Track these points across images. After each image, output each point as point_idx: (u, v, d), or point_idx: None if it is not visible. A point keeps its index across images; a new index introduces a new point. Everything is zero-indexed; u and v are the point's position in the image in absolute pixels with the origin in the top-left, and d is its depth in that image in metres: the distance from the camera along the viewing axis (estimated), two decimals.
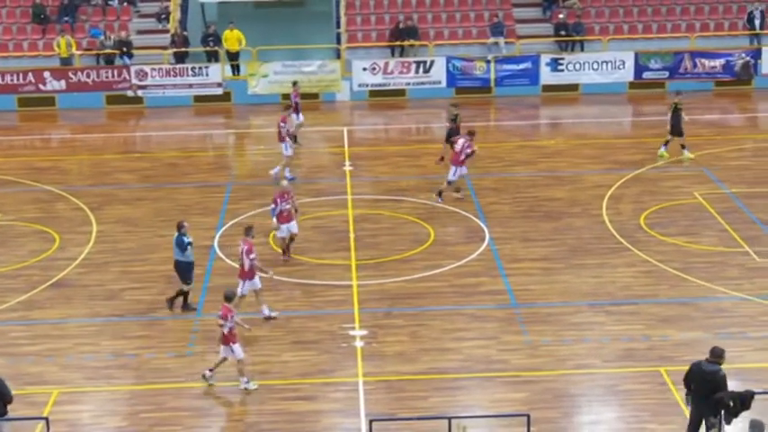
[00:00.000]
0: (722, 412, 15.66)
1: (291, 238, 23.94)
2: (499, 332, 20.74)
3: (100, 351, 20.31)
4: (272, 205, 23.52)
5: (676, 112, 29.36)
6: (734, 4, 39.00)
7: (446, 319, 21.36)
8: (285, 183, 24.84)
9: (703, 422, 16.02)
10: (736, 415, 16.15)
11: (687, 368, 16.09)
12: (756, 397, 16.03)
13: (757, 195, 27.02)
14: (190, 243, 21.57)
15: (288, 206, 23.51)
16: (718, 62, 36.71)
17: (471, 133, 27.22)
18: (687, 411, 17.27)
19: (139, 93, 36.52)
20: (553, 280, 22.85)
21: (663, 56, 36.73)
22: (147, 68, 36.44)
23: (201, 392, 18.83)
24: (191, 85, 36.57)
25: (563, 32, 37.70)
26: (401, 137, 33.39)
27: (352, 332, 20.83)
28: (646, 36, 38.13)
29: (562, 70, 36.77)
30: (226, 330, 18.63)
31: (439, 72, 36.70)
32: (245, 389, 18.78)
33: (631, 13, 39.13)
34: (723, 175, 28.51)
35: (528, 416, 14.81)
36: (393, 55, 37.50)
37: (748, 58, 36.68)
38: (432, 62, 36.74)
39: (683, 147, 29.66)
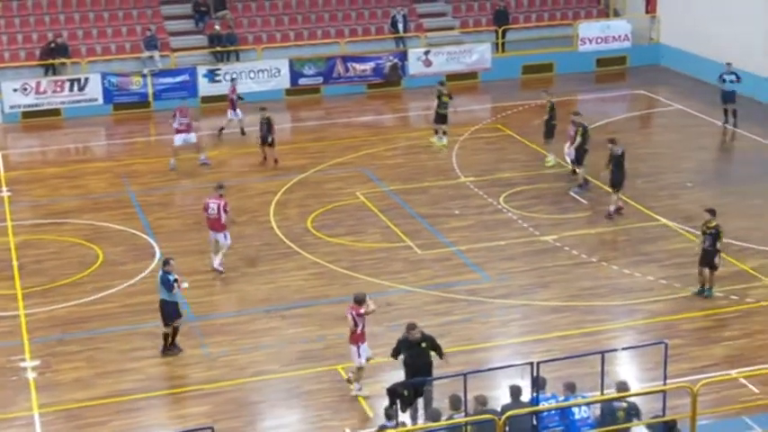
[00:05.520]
0: (397, 402, 16.33)
1: None
2: None
3: None
4: None
5: (441, 100, 31.36)
6: (378, 10, 40.63)
7: (122, 339, 21.02)
8: None
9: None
10: (410, 404, 16.94)
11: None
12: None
13: (413, 191, 28.30)
14: (176, 280, 20.08)
15: None
16: (369, 65, 38.10)
17: (576, 113, 28.32)
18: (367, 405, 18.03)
19: None
20: (228, 290, 23.00)
21: (316, 62, 37.72)
22: None
23: None
24: None
25: (217, 43, 37.95)
26: (59, 158, 32.46)
27: (22, 364, 20.07)
28: (298, 43, 39.03)
29: (219, 81, 36.95)
30: (359, 330, 18.29)
31: (94, 89, 35.93)
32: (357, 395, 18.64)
33: (283, 22, 39.91)
34: (381, 173, 29.66)
35: (212, 428, 14.86)
36: (46, 74, 36.38)
37: (396, 61, 38.30)
38: (86, 79, 35.91)
39: (444, 133, 31.61)
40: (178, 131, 30.37)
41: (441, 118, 31.68)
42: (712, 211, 21.87)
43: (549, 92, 30.28)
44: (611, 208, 25.93)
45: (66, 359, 20.26)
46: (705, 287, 22.01)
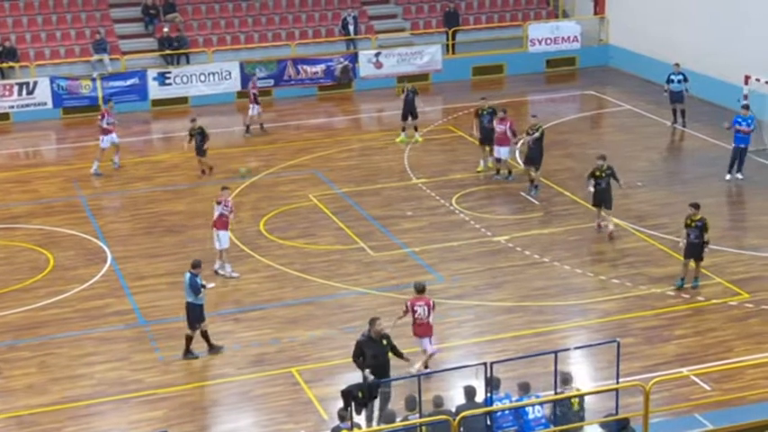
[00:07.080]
0: (352, 404, 16.35)
1: None
2: (130, 352, 20.54)
3: None
4: None
5: (409, 97, 31.94)
6: (329, 12, 40.63)
7: (74, 345, 20.87)
8: None
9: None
10: (365, 405, 16.95)
11: (317, 366, 16.68)
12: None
13: (366, 193, 28.35)
14: (203, 286, 19.91)
15: None
16: (320, 68, 38.09)
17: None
18: (322, 409, 18.06)
19: None
20: (180, 294, 22.69)
21: (267, 64, 37.65)
22: None
23: None
24: None
25: (167, 46, 37.77)
26: (9, 162, 32.16)
27: None
28: (249, 46, 38.93)
29: (170, 84, 36.80)
30: (430, 320, 18.81)
31: (44, 93, 35.63)
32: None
33: (233, 25, 39.79)
34: (333, 175, 29.67)
35: None
36: None
37: (347, 63, 38.33)
38: (35, 83, 35.61)
39: (404, 129, 32.23)
40: (106, 132, 30.07)
41: (408, 113, 32.21)
42: (696, 205, 22.35)
43: (486, 98, 30.37)
44: (611, 226, 25.20)
45: (18, 365, 20.10)
46: (684, 279, 22.47)
